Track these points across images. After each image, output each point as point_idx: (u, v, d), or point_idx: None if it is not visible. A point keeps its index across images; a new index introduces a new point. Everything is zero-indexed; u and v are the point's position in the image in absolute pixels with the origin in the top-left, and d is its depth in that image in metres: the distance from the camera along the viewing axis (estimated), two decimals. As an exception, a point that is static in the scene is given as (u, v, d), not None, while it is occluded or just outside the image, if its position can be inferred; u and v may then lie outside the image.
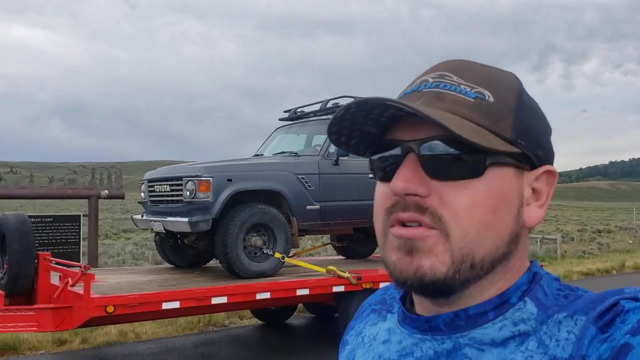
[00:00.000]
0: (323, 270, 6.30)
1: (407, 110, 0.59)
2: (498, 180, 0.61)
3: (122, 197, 9.64)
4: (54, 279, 5.48)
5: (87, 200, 9.10)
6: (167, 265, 7.41)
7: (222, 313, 7.90)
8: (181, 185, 6.02)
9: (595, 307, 0.58)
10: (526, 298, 0.63)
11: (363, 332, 0.77)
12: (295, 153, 6.78)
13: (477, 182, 0.60)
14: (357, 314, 0.83)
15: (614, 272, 13.67)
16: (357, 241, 8.08)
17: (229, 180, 5.98)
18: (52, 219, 8.81)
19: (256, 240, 6.07)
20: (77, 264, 5.73)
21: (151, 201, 6.55)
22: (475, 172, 0.60)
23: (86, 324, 5.12)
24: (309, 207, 6.51)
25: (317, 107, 7.56)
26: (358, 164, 6.78)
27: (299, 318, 8.52)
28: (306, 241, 15.32)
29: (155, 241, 7.18)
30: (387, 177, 0.64)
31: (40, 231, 8.31)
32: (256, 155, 7.45)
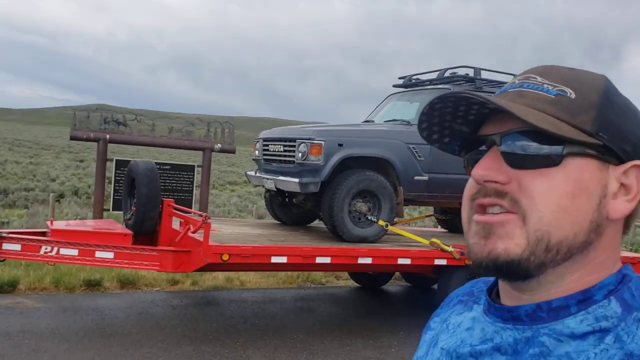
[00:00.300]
0: (426, 242, 6.30)
1: (489, 106, 0.65)
2: (577, 169, 0.64)
3: (233, 152, 10.08)
4: (175, 224, 5.92)
5: (196, 151, 9.58)
6: (273, 220, 7.74)
7: (320, 272, 8.18)
8: (294, 146, 6.21)
9: None
10: (611, 297, 0.64)
11: (448, 320, 0.80)
12: (408, 122, 6.73)
13: (555, 170, 0.63)
14: (443, 303, 0.86)
15: None
16: (460, 215, 7.96)
17: (340, 145, 6.08)
18: (169, 167, 9.41)
19: (361, 206, 6.17)
20: (199, 212, 6.16)
21: (265, 159, 6.83)
22: (553, 161, 0.63)
23: (201, 269, 5.53)
24: (417, 177, 6.49)
25: (433, 75, 7.41)
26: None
27: (394, 285, 8.63)
28: (407, 211, 15.27)
29: (265, 197, 7.51)
30: None
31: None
32: (367, 121, 7.47)
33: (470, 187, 0.69)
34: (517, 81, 0.70)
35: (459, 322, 0.77)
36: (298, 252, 5.52)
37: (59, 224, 5.86)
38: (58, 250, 5.05)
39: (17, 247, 5.06)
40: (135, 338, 5.27)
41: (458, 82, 7.01)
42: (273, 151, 6.67)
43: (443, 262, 6.13)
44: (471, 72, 7.10)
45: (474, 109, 0.67)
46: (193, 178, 9.48)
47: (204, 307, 6.58)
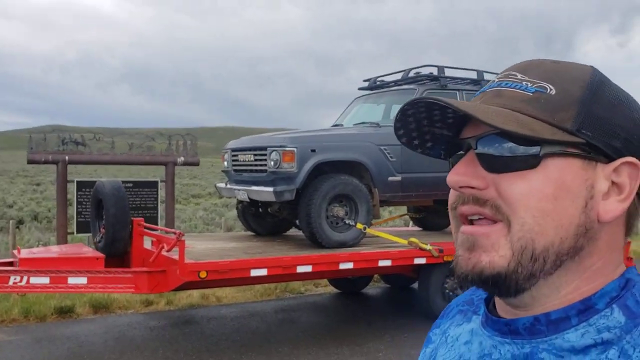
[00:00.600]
0: (404, 241, 6.27)
1: (456, 110, 0.60)
2: (558, 170, 0.59)
3: (197, 164, 9.87)
4: (146, 243, 5.71)
5: (156, 166, 9.37)
6: (246, 232, 7.58)
7: (299, 281, 8.06)
8: (265, 155, 6.09)
9: None
10: (614, 305, 0.59)
11: (447, 332, 0.77)
12: (377, 123, 6.71)
13: (533, 172, 0.59)
14: (443, 312, 0.83)
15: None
16: (434, 213, 7.99)
17: (313, 150, 6.00)
18: (132, 185, 9.14)
19: (338, 210, 6.10)
20: (171, 229, 5.96)
21: (234, 170, 6.68)
22: (530, 163, 0.59)
23: (177, 288, 5.34)
24: (390, 178, 6.46)
25: (397, 76, 7.42)
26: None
27: (374, 288, 8.58)
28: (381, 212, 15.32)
29: (237, 209, 7.35)
30: None
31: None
32: (336, 125, 7.42)
33: (450, 195, 0.66)
34: (496, 80, 0.66)
35: (458, 335, 0.74)
36: (278, 263, 5.40)
37: (26, 252, 5.59)
38: (28, 280, 4.82)
39: (-19, 280, 4.78)
40: (114, 366, 5.04)
41: (422, 82, 7.03)
42: (243, 161, 6.53)
43: (422, 260, 6.11)
44: (435, 71, 7.13)
45: (449, 112, 0.63)
46: (157, 194, 9.23)
47: (183, 327, 6.37)
